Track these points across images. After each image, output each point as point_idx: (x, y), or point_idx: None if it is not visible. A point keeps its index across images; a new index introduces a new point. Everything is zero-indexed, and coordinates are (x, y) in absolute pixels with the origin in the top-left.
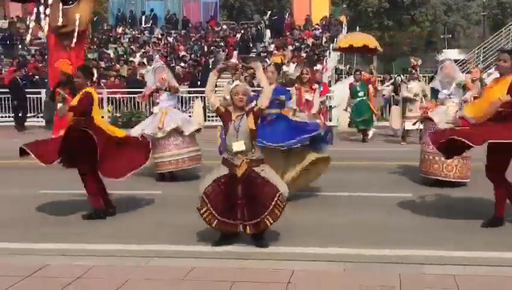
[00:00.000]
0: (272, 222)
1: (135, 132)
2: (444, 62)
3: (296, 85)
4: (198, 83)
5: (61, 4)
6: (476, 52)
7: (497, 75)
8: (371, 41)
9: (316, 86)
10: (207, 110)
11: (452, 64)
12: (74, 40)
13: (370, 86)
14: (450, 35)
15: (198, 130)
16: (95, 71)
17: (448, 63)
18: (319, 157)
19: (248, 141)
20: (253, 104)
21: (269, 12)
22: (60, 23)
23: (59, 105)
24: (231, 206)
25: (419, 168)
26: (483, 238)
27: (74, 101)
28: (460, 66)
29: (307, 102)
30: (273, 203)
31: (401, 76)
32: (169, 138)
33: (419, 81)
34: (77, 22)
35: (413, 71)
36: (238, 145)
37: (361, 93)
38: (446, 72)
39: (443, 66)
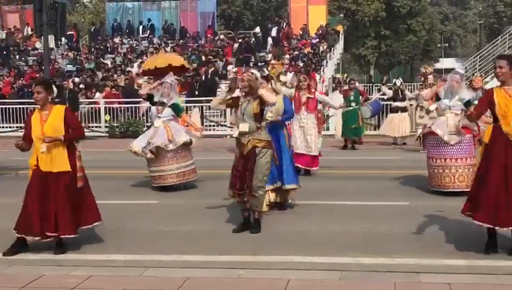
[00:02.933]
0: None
1: (138, 144)
2: (455, 75)
3: (294, 91)
4: (196, 92)
5: None
6: (473, 60)
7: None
8: (176, 60)
9: (314, 89)
10: (204, 120)
11: (461, 81)
12: None
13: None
14: (447, 44)
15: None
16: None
17: (458, 78)
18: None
19: (253, 123)
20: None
21: (258, 27)
22: None
23: None
24: (239, 178)
25: (429, 183)
26: (478, 247)
27: (55, 123)
28: None
29: (308, 100)
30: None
31: (400, 80)
32: (177, 151)
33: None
34: None
35: (423, 79)
36: (243, 127)
37: (353, 103)
38: (452, 85)
39: (453, 78)
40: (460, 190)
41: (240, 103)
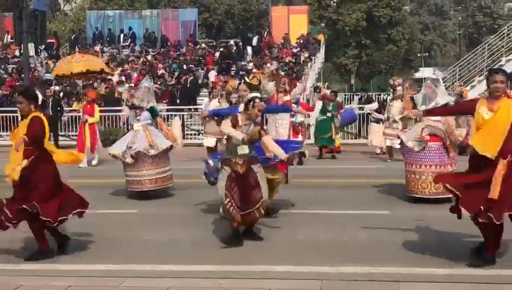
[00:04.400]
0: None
1: (117, 148)
2: (427, 81)
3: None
4: (177, 101)
5: None
6: (452, 70)
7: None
8: (95, 64)
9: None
10: (185, 128)
11: (434, 87)
12: None
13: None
14: (427, 54)
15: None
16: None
17: (429, 83)
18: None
19: (250, 145)
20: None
21: (233, 40)
22: None
23: None
24: (242, 197)
25: (406, 188)
26: (459, 256)
27: (22, 130)
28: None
29: (285, 103)
30: (257, 205)
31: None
32: (156, 156)
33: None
34: None
35: (392, 90)
36: (243, 149)
37: (329, 114)
38: (426, 92)
39: (426, 84)
40: (423, 197)
41: (241, 125)
